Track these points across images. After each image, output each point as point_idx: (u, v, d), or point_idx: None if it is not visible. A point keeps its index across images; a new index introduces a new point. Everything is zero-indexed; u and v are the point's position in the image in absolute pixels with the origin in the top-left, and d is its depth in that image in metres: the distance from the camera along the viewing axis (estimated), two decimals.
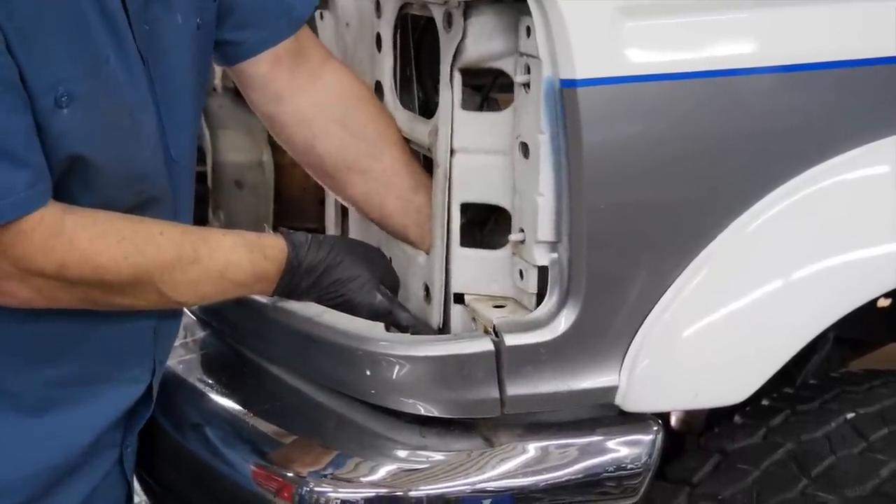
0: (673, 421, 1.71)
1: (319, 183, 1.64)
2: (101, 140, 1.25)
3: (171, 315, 1.47)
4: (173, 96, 1.36)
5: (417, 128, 1.54)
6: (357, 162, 1.54)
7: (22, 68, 1.17)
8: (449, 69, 1.38)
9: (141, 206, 1.34)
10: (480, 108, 1.51)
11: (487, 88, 1.49)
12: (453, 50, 1.36)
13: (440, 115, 1.42)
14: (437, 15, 1.39)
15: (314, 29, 1.67)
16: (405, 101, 1.63)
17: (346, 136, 1.53)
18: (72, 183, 1.26)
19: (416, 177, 1.54)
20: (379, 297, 1.44)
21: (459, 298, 1.46)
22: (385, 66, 1.61)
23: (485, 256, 1.44)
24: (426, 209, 1.50)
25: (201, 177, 2.01)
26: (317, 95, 1.53)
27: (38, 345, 1.33)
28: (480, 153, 1.39)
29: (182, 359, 1.65)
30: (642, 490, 1.38)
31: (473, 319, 1.43)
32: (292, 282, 1.42)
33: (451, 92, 1.38)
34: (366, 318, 1.42)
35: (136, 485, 1.82)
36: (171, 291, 1.32)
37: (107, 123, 1.25)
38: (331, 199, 1.82)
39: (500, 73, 1.41)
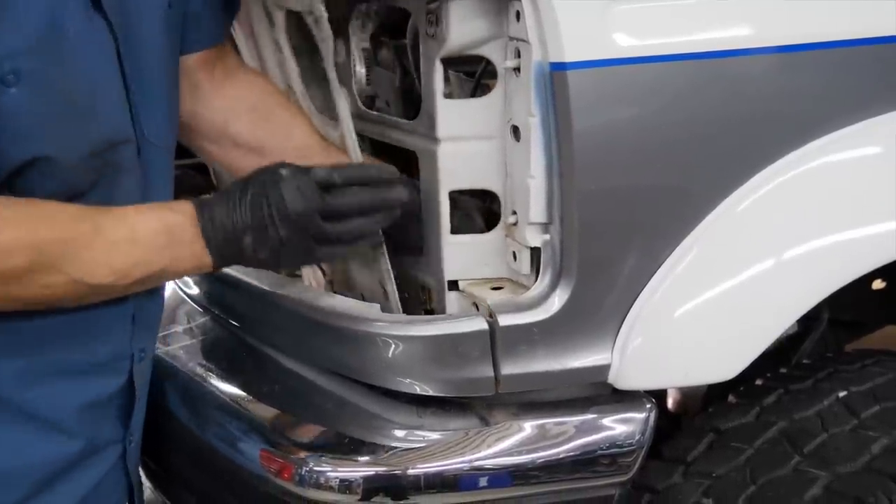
0: (670, 403, 1.73)
1: (233, 172, 1.59)
2: (51, 119, 1.19)
3: (148, 299, 1.43)
4: (145, 71, 1.33)
5: (329, 132, 1.57)
6: (269, 140, 1.54)
7: None
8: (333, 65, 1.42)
9: (107, 186, 1.29)
10: (473, 94, 1.53)
11: (479, 75, 1.50)
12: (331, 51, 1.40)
13: (341, 118, 1.43)
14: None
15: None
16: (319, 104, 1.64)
17: (258, 118, 1.55)
18: (28, 171, 1.20)
19: (327, 152, 1.53)
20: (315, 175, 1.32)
21: (452, 286, 1.47)
22: (290, 71, 1.64)
23: (476, 241, 1.45)
24: None
25: (203, 169, 2.03)
26: (231, 90, 1.56)
27: (9, 337, 1.29)
28: (465, 140, 1.40)
29: (183, 344, 1.67)
30: (636, 467, 1.40)
31: (474, 304, 1.43)
32: (224, 238, 1.30)
33: (343, 96, 1.42)
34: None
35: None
36: (80, 272, 1.22)
37: (58, 101, 1.20)
38: None
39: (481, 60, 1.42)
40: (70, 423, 1.35)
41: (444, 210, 1.44)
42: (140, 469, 1.74)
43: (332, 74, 1.42)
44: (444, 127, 1.40)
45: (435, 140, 1.40)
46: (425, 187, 1.45)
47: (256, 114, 1.55)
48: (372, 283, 1.52)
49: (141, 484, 1.58)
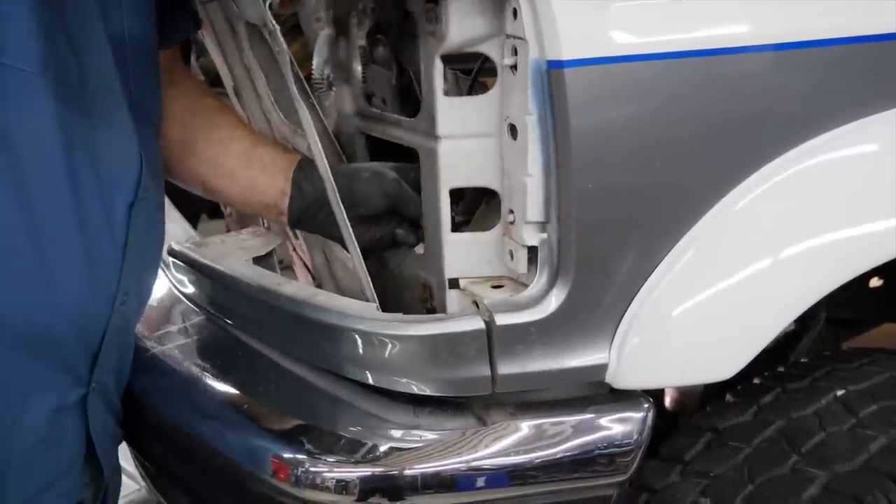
0: (667, 402, 1.72)
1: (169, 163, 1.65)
2: None
3: (145, 232, 1.45)
4: None
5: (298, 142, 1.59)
6: (198, 131, 1.62)
7: None
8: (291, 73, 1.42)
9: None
10: (470, 92, 1.52)
11: (475, 72, 1.50)
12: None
13: (306, 129, 1.43)
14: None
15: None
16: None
17: (188, 114, 1.62)
18: None
19: (254, 137, 1.64)
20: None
21: (453, 284, 1.46)
22: (258, 81, 1.64)
23: (477, 239, 1.45)
24: (271, 165, 1.59)
25: None
26: (170, 89, 1.58)
27: None
28: (466, 138, 1.40)
29: (178, 343, 1.66)
30: (633, 467, 1.39)
31: (474, 303, 1.42)
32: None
33: (306, 109, 1.41)
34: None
35: (134, 470, 1.85)
36: None
37: None
38: None
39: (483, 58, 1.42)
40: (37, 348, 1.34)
41: (444, 208, 1.43)
42: (133, 462, 1.74)
43: (293, 87, 1.41)
44: (444, 125, 1.39)
45: (435, 138, 1.40)
46: (426, 185, 1.44)
47: (187, 111, 1.61)
48: (355, 289, 1.52)
49: (117, 460, 1.56)
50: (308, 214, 1.58)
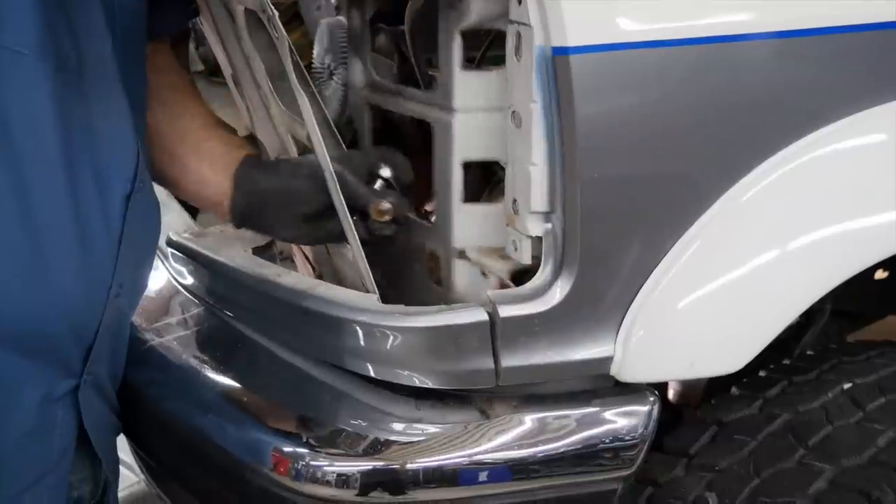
0: (670, 394, 1.71)
1: None
2: None
3: (142, 226, 1.44)
4: None
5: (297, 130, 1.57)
6: (161, 121, 1.57)
7: None
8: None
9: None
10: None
11: (482, 51, 1.49)
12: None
13: (306, 118, 1.42)
14: None
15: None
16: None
17: (155, 103, 1.56)
18: None
19: (209, 128, 1.60)
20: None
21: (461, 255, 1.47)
22: (257, 69, 1.62)
23: (487, 211, 1.44)
24: (219, 160, 1.55)
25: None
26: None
27: None
28: (481, 111, 1.39)
29: (177, 335, 1.65)
30: (639, 461, 1.38)
31: (483, 273, 1.42)
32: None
33: (305, 97, 1.40)
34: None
35: (133, 463, 1.84)
36: None
37: None
38: None
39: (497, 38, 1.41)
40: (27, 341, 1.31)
41: (456, 179, 1.42)
42: (132, 455, 1.72)
43: (293, 75, 1.40)
44: (460, 97, 1.39)
45: (451, 110, 1.40)
46: (439, 157, 1.44)
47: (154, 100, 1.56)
48: (357, 280, 1.51)
49: (116, 451, 1.54)
50: (249, 216, 1.55)
